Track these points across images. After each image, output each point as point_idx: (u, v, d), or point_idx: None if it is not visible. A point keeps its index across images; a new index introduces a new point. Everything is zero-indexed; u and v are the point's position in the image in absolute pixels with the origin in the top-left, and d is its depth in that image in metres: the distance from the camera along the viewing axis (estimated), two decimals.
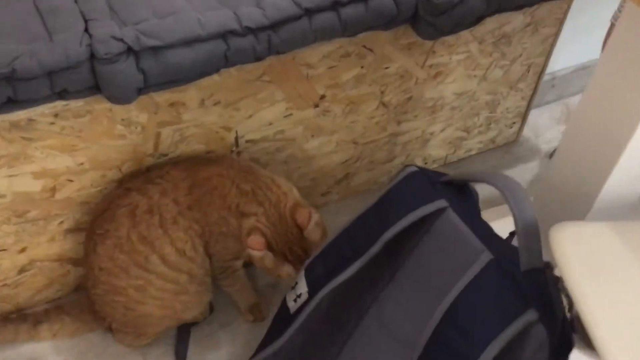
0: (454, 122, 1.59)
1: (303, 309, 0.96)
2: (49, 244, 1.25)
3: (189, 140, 1.23)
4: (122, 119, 1.12)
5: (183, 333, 1.33)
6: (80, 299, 1.33)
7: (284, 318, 1.00)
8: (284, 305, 1.02)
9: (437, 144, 1.63)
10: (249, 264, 1.43)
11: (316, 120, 1.35)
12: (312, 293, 0.95)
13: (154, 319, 1.22)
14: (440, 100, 1.49)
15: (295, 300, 0.99)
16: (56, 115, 1.05)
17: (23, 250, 1.23)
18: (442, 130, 1.59)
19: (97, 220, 1.16)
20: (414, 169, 0.94)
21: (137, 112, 1.12)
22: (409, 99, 1.43)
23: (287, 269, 1.13)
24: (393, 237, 0.89)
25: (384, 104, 1.41)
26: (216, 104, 1.18)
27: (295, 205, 1.14)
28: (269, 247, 1.12)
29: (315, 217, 1.12)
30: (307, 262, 1.01)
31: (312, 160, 1.44)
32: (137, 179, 1.17)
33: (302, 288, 0.98)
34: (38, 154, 1.09)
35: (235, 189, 1.15)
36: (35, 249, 1.24)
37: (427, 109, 1.49)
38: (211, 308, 1.37)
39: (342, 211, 1.60)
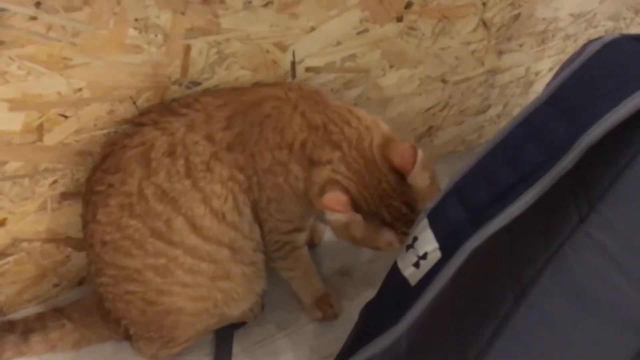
0: (565, 57, 1.22)
1: (434, 276, 0.59)
2: (38, 215, 0.90)
3: (230, 62, 0.87)
4: (136, 20, 0.77)
5: (224, 338, 0.96)
6: (86, 297, 0.97)
7: (397, 295, 0.63)
8: (395, 275, 0.65)
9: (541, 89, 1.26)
10: (314, 244, 1.07)
11: (398, 43, 0.99)
12: (449, 249, 0.58)
13: (185, 317, 0.85)
14: (553, 24, 1.13)
15: (416, 265, 0.62)
16: (38, 5, 0.70)
17: (2, 223, 0.88)
18: (550, 69, 1.23)
19: (96, 172, 0.81)
20: (614, 35, 0.57)
21: (157, 8, 0.77)
22: (516, 17, 1.07)
23: (387, 237, 0.77)
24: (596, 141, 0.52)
25: (484, 23, 1.05)
26: (267, 4, 0.83)
27: (388, 141, 0.78)
28: (356, 207, 0.76)
29: (420, 154, 0.75)
30: (429, 207, 0.64)
31: (388, 103, 1.08)
32: (154, 111, 0.82)
33: (428, 244, 0.61)
34: (14, 68, 0.74)
35: (299, 118, 0.79)
36: (19, 222, 0.89)
37: (535, 35, 1.13)
38: (262, 304, 1.00)
39: None
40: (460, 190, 0.62)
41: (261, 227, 0.85)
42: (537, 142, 0.56)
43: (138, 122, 0.81)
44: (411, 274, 0.62)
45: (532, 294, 0.59)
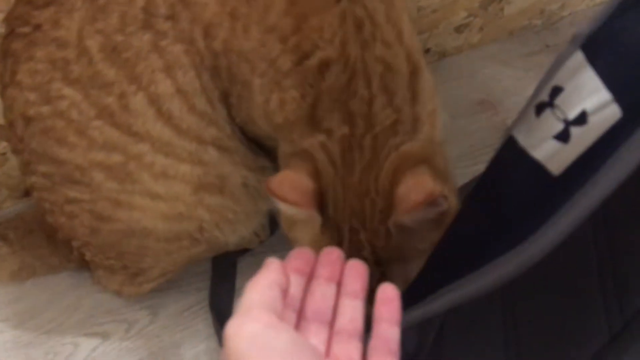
0: None
1: (607, 154, 0.29)
2: None
3: None
4: None
5: (223, 269, 0.69)
6: (28, 211, 0.70)
7: (519, 195, 0.34)
8: (512, 160, 0.36)
9: None
10: None
11: None
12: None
13: (155, 242, 0.58)
14: None
15: (563, 136, 0.33)
16: None
17: None
18: None
19: (18, 5, 0.51)
20: None
21: None
22: None
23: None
24: None
25: None
26: None
27: (406, 162, 0.47)
28: (320, 203, 0.48)
29: (442, 204, 0.45)
30: (582, 32, 0.34)
31: None
32: None
33: (588, 96, 0.32)
34: None
35: (337, 18, 0.47)
36: None
37: None
38: (272, 223, 0.72)
39: (484, 60, 0.93)
40: None
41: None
42: None
43: None
44: (551, 155, 0.33)
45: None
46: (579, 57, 0.33)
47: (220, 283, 0.69)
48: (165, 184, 0.53)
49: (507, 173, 0.36)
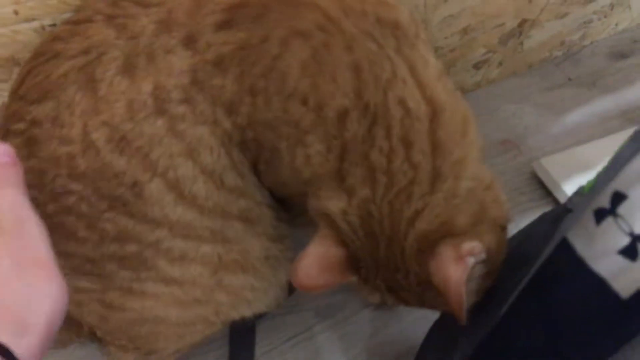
0: None
1: None
2: None
3: None
4: None
5: (241, 334, 0.66)
6: None
7: (591, 319, 0.31)
8: (576, 270, 0.32)
9: None
10: None
11: None
12: None
13: (168, 328, 0.55)
14: None
15: (630, 252, 0.29)
16: None
17: None
18: None
19: (12, 100, 0.49)
20: None
21: None
22: None
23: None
24: None
25: None
26: None
27: (426, 245, 0.45)
28: (352, 266, 0.48)
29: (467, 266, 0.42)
30: None
31: None
32: None
33: None
34: None
35: (351, 72, 0.44)
36: None
37: None
38: (291, 284, 0.69)
39: (503, 96, 0.89)
40: None
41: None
42: None
43: (79, 18, 0.47)
44: (616, 272, 0.29)
45: None
46: None
47: (238, 352, 0.66)
48: (182, 267, 0.50)
49: (563, 282, 0.32)
